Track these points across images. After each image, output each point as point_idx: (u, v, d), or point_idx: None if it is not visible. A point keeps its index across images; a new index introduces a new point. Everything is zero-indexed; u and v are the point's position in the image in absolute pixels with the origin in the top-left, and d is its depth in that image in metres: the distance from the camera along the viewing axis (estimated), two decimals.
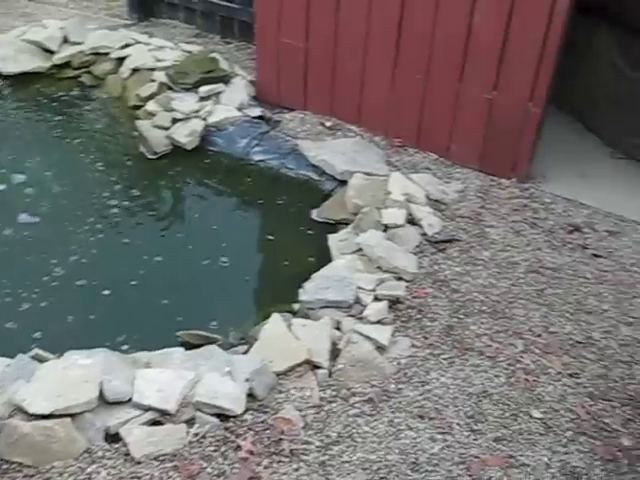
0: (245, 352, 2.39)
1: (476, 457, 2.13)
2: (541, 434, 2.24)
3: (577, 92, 4.05)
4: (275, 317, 2.48)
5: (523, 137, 3.40)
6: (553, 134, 3.82)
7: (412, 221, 3.04)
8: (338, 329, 2.50)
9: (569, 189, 3.52)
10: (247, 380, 2.16)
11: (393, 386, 2.35)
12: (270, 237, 3.24)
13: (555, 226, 3.24)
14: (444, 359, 2.49)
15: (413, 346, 2.51)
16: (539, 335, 2.62)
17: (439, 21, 3.30)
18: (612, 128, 3.91)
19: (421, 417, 2.25)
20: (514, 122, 3.37)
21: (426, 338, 2.55)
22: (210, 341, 2.45)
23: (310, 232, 3.19)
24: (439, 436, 2.19)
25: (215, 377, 2.17)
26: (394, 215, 2.98)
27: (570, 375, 2.47)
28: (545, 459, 2.16)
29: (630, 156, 3.84)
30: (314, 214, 3.26)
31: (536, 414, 2.32)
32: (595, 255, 3.09)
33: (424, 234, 3.01)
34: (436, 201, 3.24)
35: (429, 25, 3.33)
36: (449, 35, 3.30)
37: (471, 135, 3.52)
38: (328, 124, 3.84)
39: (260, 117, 3.85)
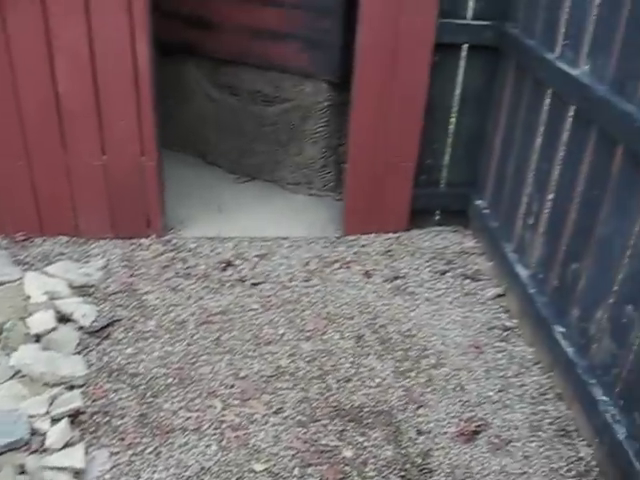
0: None
1: None
2: None
3: (188, 131, 4.10)
4: None
5: (147, 192, 3.31)
6: (181, 178, 3.83)
7: (64, 318, 2.75)
8: (24, 473, 2.13)
9: (210, 228, 3.54)
10: None
11: None
12: None
13: (208, 269, 3.22)
14: (149, 453, 2.28)
15: (112, 454, 2.26)
16: (232, 385, 2.56)
17: (22, 96, 3.01)
18: (227, 156, 4.04)
19: None
20: (133, 181, 3.26)
21: (123, 439, 2.32)
22: None
23: None
24: None
25: None
26: (42, 320, 2.65)
27: (275, 412, 2.46)
28: None
29: (251, 176, 4.01)
30: None
31: (258, 467, 2.26)
32: (254, 284, 3.14)
33: (81, 327, 2.74)
34: (82, 287, 2.98)
35: (10, 103, 3.02)
36: (39, 109, 3.04)
37: (95, 205, 3.31)
38: None
39: None
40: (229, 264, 3.26)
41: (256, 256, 3.35)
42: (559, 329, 2.57)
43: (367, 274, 3.25)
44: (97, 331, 2.75)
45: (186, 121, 4.09)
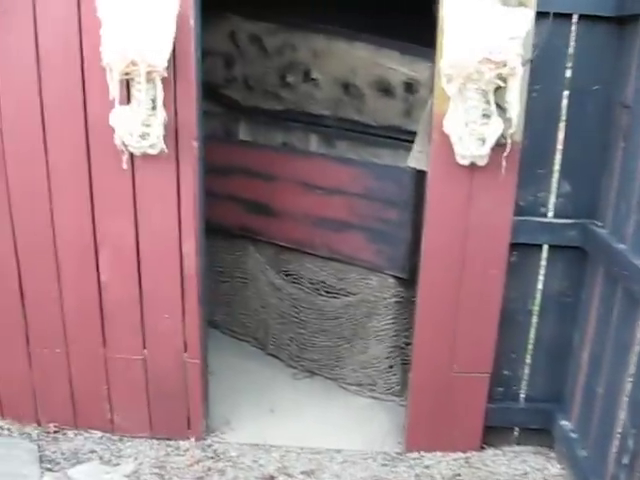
0: None
1: None
2: None
3: (249, 317, 3.88)
4: None
5: (189, 392, 3.03)
6: (235, 370, 3.57)
7: None
8: None
9: (257, 432, 3.18)
10: None
11: None
12: None
13: None
14: None
15: None
16: None
17: (66, 285, 2.88)
18: (287, 348, 3.75)
19: None
20: (175, 378, 3.00)
21: None
22: None
23: None
24: None
25: None
26: None
27: None
28: None
29: (310, 372, 3.68)
30: None
31: None
32: None
33: None
34: None
35: (54, 291, 2.89)
36: (80, 298, 2.89)
37: (132, 401, 3.06)
38: None
39: None
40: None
41: (302, 472, 2.94)
42: None
43: None
44: None
45: (247, 306, 3.88)
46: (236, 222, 3.69)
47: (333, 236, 3.40)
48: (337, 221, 3.36)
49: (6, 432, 3.09)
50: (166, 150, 2.60)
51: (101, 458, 2.97)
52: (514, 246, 2.80)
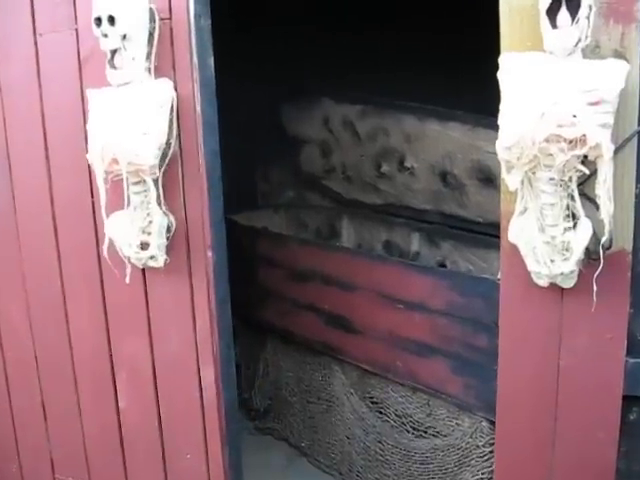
0: None
1: None
2: None
3: (334, 448, 3.28)
4: None
5: None
6: None
7: None
8: None
9: None
10: None
11: None
12: None
13: None
14: None
15: None
16: None
17: (85, 409, 2.54)
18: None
19: None
20: None
21: None
22: None
23: None
24: None
25: None
26: None
27: None
28: None
29: None
30: None
31: None
32: None
33: None
34: None
35: (75, 415, 2.56)
36: (100, 424, 2.53)
37: None
38: None
39: None
40: None
41: None
42: None
43: None
44: None
45: (332, 435, 3.27)
46: (317, 336, 3.15)
47: (416, 361, 2.73)
48: (419, 343, 2.69)
49: None
50: (167, 262, 2.17)
51: None
52: (632, 400, 1.94)
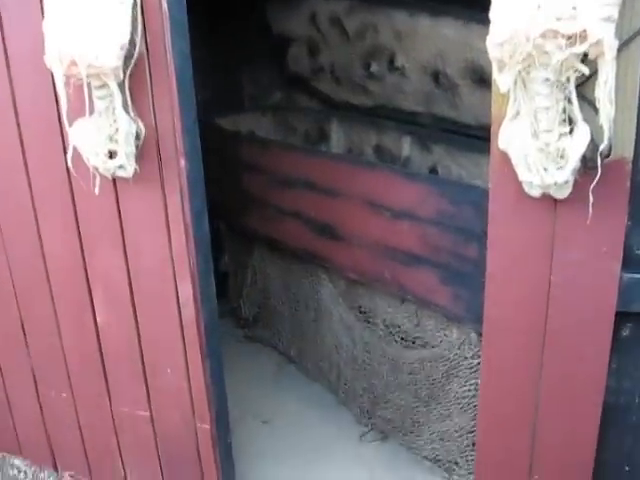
0: None
1: None
2: None
3: (322, 357, 3.25)
4: None
5: (202, 460, 2.48)
6: (294, 420, 3.05)
7: None
8: None
9: None
10: None
11: None
12: None
13: None
14: None
15: None
16: None
17: (63, 322, 2.48)
18: (359, 400, 3.06)
19: None
20: (184, 443, 2.49)
21: None
22: None
23: None
24: None
25: None
26: None
27: None
28: None
29: (383, 433, 2.97)
30: None
31: None
32: None
33: None
34: None
35: (53, 328, 2.50)
36: (79, 338, 2.47)
37: (145, 461, 2.60)
38: None
39: None
40: None
41: None
42: None
43: None
44: None
45: (320, 344, 3.24)
46: (304, 244, 3.05)
47: (403, 271, 2.64)
48: (406, 252, 2.59)
49: (21, 476, 2.78)
50: (138, 171, 2.04)
51: None
52: (625, 316, 1.85)
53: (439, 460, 2.74)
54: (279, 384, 3.31)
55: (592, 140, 1.60)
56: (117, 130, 1.99)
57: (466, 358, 2.53)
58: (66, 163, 2.12)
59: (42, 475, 2.79)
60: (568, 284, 1.83)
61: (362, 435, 2.97)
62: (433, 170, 3.05)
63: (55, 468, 2.80)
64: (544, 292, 1.86)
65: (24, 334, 2.57)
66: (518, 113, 1.67)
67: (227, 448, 2.53)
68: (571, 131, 1.62)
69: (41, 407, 2.69)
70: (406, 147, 3.13)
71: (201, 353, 2.31)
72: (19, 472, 2.81)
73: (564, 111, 1.62)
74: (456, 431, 2.66)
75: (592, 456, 1.98)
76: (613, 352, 1.88)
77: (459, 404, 2.62)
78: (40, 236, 2.35)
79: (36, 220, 2.33)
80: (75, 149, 2.02)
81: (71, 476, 2.76)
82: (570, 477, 2.03)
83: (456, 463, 2.69)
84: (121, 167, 2.04)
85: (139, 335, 2.37)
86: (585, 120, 1.59)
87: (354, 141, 3.44)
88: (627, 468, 2.03)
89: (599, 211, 1.66)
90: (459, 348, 2.54)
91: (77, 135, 2.02)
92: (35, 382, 2.65)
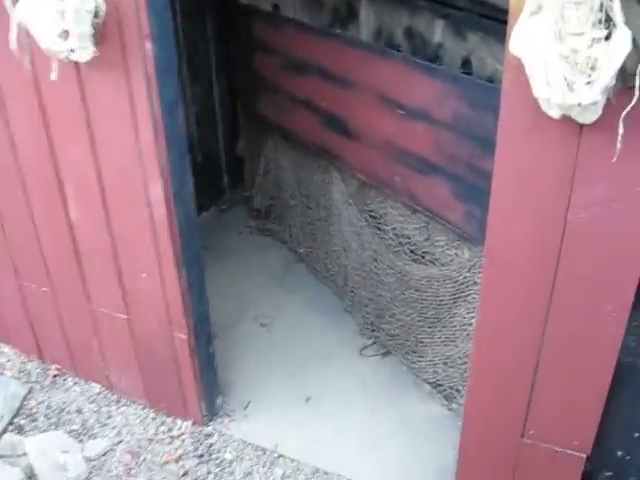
0: None
1: None
2: None
3: (331, 260, 3.02)
4: None
5: (181, 369, 2.34)
6: (295, 325, 2.88)
7: None
8: None
9: (276, 428, 2.44)
10: None
11: None
12: None
13: None
14: None
15: None
16: None
17: (39, 218, 2.29)
18: (363, 310, 2.86)
19: None
20: (162, 350, 2.34)
21: None
22: None
23: None
24: None
25: None
26: None
27: None
28: None
29: (385, 348, 2.78)
30: None
31: None
32: None
33: None
34: None
35: (29, 222, 2.32)
36: (54, 235, 2.28)
37: (124, 362, 2.49)
38: None
39: None
40: None
41: None
42: None
43: None
44: None
45: (329, 245, 2.99)
46: (314, 136, 2.74)
47: (414, 178, 2.32)
48: (418, 158, 2.26)
49: (8, 365, 2.73)
50: (97, 55, 1.74)
51: (84, 423, 2.47)
52: None
53: (440, 385, 2.53)
54: (284, 284, 3.12)
55: (635, 49, 1.23)
56: (68, 5, 1.67)
57: (476, 283, 2.25)
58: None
59: (29, 365, 2.71)
60: (588, 225, 1.50)
61: (362, 349, 2.78)
62: (466, 62, 2.62)
63: (42, 360, 2.72)
64: (558, 233, 1.54)
65: (2, 229, 2.40)
66: (540, 8, 1.29)
67: (208, 357, 2.38)
68: (608, 37, 1.24)
69: (24, 299, 2.56)
70: (438, 32, 2.69)
71: (175, 260, 2.09)
72: (8, 360, 2.74)
73: (601, 9, 1.23)
74: (460, 357, 2.43)
75: (597, 417, 1.73)
76: (636, 308, 1.57)
77: (465, 330, 2.37)
78: (9, 125, 2.11)
79: (4, 108, 2.08)
80: (23, 28, 1.72)
81: (57, 369, 2.68)
82: (570, 437, 1.79)
83: (457, 390, 2.48)
84: (74, 51, 1.73)
85: (112, 235, 2.16)
86: (628, 23, 1.21)
87: (385, 21, 2.99)
88: (637, 434, 1.77)
89: (631, 145, 1.30)
90: (469, 271, 2.26)
91: (23, 11, 1.71)
92: (16, 273, 2.51)
